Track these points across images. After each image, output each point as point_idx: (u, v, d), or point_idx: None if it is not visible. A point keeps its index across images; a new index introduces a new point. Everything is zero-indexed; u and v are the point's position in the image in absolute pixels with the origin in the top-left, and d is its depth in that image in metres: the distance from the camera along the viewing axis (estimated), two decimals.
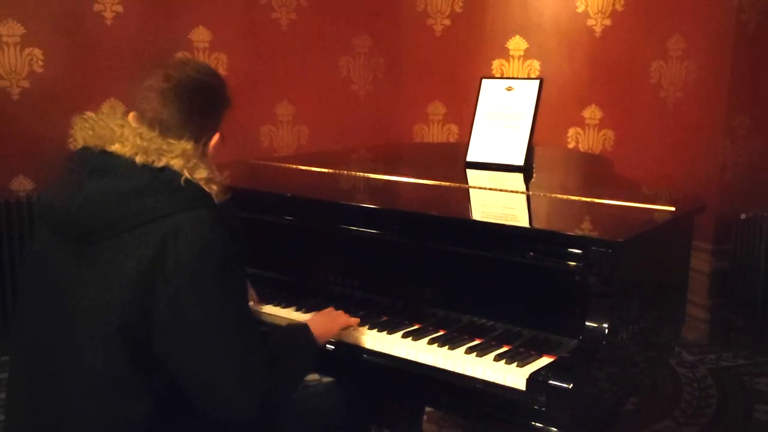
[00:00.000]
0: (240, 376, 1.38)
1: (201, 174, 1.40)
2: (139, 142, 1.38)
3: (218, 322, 1.36)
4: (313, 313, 1.81)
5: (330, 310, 1.77)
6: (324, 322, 1.70)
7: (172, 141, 1.40)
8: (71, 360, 1.38)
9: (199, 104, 1.46)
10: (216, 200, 1.42)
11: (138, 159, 1.38)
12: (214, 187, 1.42)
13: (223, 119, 1.55)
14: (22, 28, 3.74)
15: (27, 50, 3.76)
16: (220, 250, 1.36)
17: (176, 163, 1.39)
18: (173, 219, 1.35)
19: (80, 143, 1.45)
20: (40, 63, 3.79)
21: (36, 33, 3.77)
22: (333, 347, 1.75)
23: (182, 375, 1.39)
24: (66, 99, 3.73)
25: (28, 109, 3.76)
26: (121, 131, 1.41)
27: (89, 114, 1.47)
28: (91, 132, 1.44)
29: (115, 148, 1.40)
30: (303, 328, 1.64)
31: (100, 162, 1.40)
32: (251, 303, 1.87)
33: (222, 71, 4.12)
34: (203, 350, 1.35)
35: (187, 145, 1.41)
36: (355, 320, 1.77)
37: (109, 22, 3.90)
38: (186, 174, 1.39)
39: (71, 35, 3.84)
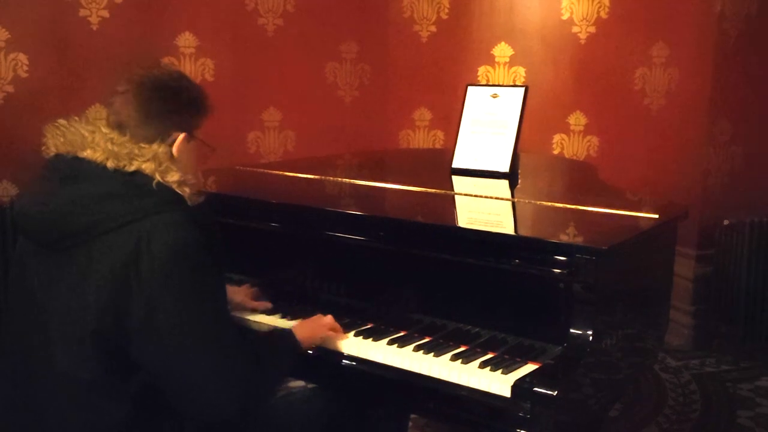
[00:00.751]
0: (218, 377, 1.39)
1: (173, 177, 1.41)
2: (110, 147, 1.40)
3: (194, 323, 1.37)
4: (298, 320, 1.81)
5: (318, 316, 1.77)
6: (309, 328, 1.71)
7: (143, 145, 1.42)
8: (48, 365, 1.38)
9: (157, 101, 1.46)
10: (189, 203, 1.44)
11: (109, 164, 1.39)
12: (187, 190, 1.43)
13: (194, 124, 1.53)
14: (6, 33, 3.71)
15: (11, 55, 3.74)
16: (194, 252, 1.37)
17: (147, 167, 1.40)
18: (146, 222, 1.36)
19: (52, 150, 1.46)
20: (25, 68, 3.77)
21: (21, 38, 3.74)
22: (317, 353, 1.75)
23: (160, 377, 1.39)
24: (51, 104, 3.71)
25: (12, 114, 3.74)
26: (92, 137, 1.42)
27: (61, 121, 1.48)
28: (62, 139, 1.45)
29: (87, 154, 1.41)
30: (287, 332, 1.66)
31: (72, 168, 1.41)
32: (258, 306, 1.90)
33: (208, 77, 4.12)
34: (180, 352, 1.36)
35: (159, 149, 1.42)
36: (339, 329, 1.77)
37: (94, 28, 3.89)
38: (158, 177, 1.40)
39: (56, 40, 3.82)
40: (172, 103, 1.48)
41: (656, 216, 1.94)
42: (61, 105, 3.67)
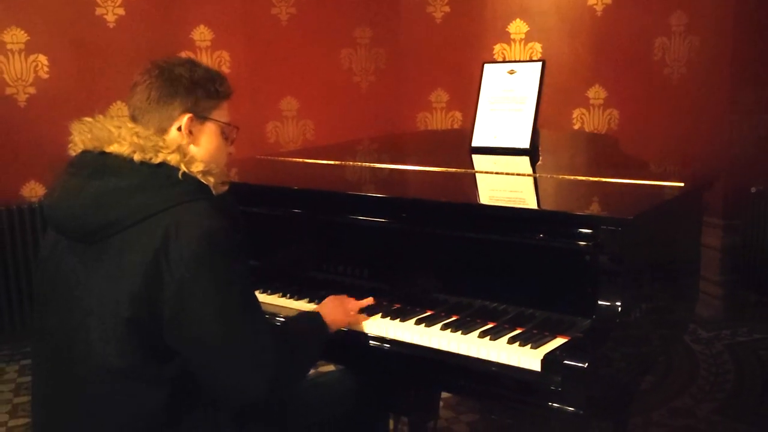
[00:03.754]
0: (250, 360, 1.41)
1: (198, 167, 1.44)
2: (135, 140, 1.42)
3: (224, 309, 1.39)
4: (327, 299, 1.82)
5: (342, 298, 1.79)
6: (334, 310, 1.72)
7: (167, 138, 1.45)
8: (86, 356, 1.41)
9: (159, 87, 1.48)
10: (214, 192, 1.46)
11: (136, 157, 1.42)
12: (212, 179, 1.46)
13: (203, 105, 1.52)
14: (25, 35, 3.76)
15: (32, 57, 3.79)
16: (222, 239, 1.39)
17: (173, 159, 1.43)
18: (174, 212, 1.38)
19: (80, 147, 1.49)
20: (45, 69, 3.82)
21: (40, 39, 3.79)
22: (345, 336, 1.76)
23: (194, 362, 1.41)
24: (73, 103, 3.76)
25: (35, 115, 3.80)
26: (118, 132, 1.45)
27: (87, 119, 1.51)
28: (89, 135, 1.48)
29: (113, 148, 1.44)
30: (314, 314, 1.68)
31: (100, 163, 1.44)
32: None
33: (225, 69, 4.14)
34: (212, 337, 1.38)
35: (183, 141, 1.45)
36: (367, 301, 1.79)
37: (111, 25, 3.92)
38: (183, 168, 1.43)
39: (74, 40, 3.87)
40: (173, 87, 1.50)
41: (681, 184, 1.92)
42: (83, 104, 3.72)
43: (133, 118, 1.49)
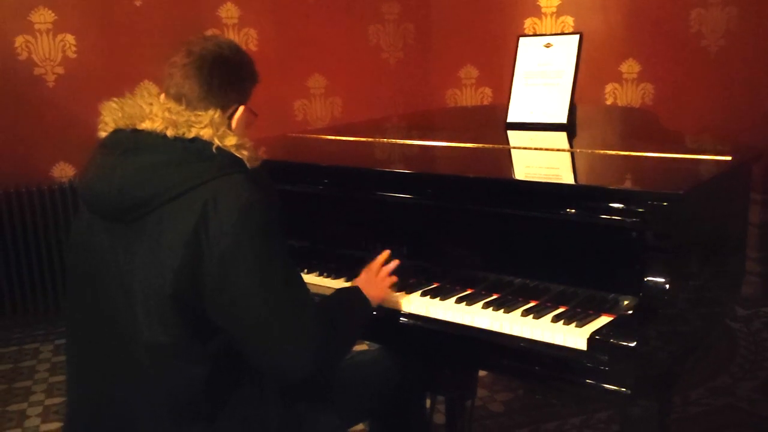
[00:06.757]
0: (295, 332, 1.40)
1: (231, 141, 1.43)
2: (168, 116, 1.41)
3: (267, 280, 1.37)
4: (362, 273, 1.79)
5: (370, 267, 1.75)
6: (368, 284, 1.70)
7: (199, 113, 1.43)
8: (128, 333, 1.40)
9: (219, 76, 1.47)
10: (249, 165, 1.45)
11: (169, 132, 1.40)
12: (245, 152, 1.45)
13: (249, 95, 1.55)
14: (53, 14, 3.76)
15: (59, 36, 3.79)
16: (260, 211, 1.38)
17: (206, 133, 1.41)
18: (211, 185, 1.37)
19: (111, 126, 1.48)
20: (73, 48, 3.82)
21: (67, 19, 3.79)
22: (386, 315, 1.74)
23: (238, 337, 1.40)
24: (101, 82, 3.76)
25: (64, 95, 3.80)
26: (150, 108, 1.43)
27: (117, 98, 1.50)
28: (120, 114, 1.46)
29: (146, 125, 1.42)
30: (354, 289, 1.66)
31: (133, 140, 1.43)
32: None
33: (252, 47, 4.10)
34: (256, 309, 1.37)
35: (215, 114, 1.43)
36: (394, 263, 1.76)
37: (138, 3, 3.90)
38: (217, 142, 1.41)
39: (101, 18, 3.85)
40: (232, 76, 1.49)
41: (729, 158, 1.86)
42: (111, 83, 3.70)
43: (178, 98, 1.45)
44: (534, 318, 1.60)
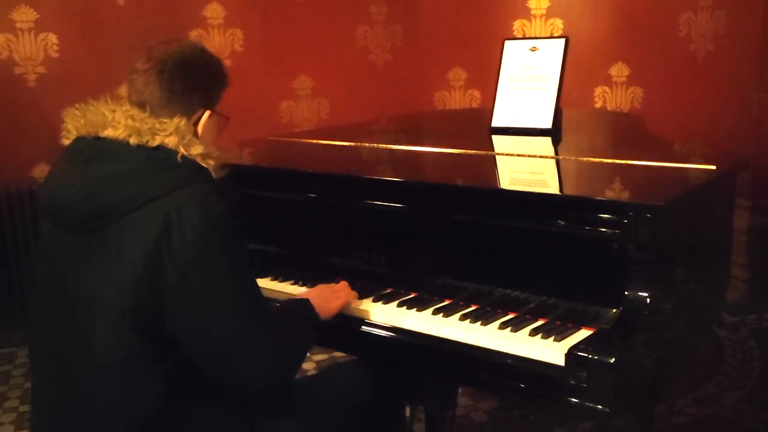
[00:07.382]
0: (253, 346, 1.38)
1: (197, 150, 1.39)
2: (131, 123, 1.37)
3: (229, 293, 1.35)
4: (317, 287, 1.76)
5: (331, 285, 1.74)
6: (322, 293, 1.68)
7: (164, 120, 1.39)
8: (87, 347, 1.36)
9: (182, 81, 1.43)
10: (214, 176, 1.42)
11: (132, 140, 1.37)
12: (211, 162, 1.41)
13: (217, 99, 1.52)
14: (35, 13, 3.69)
15: (41, 35, 3.72)
16: (224, 224, 1.35)
17: (171, 141, 1.38)
18: (174, 196, 1.34)
19: (73, 134, 1.44)
20: (55, 48, 3.75)
21: (49, 17, 3.72)
22: (359, 325, 1.69)
23: (198, 351, 1.37)
24: (83, 83, 3.69)
25: (45, 95, 3.73)
26: (113, 115, 1.40)
27: (79, 105, 1.46)
28: (82, 121, 1.43)
29: (108, 132, 1.38)
30: (304, 300, 1.63)
31: (95, 148, 1.39)
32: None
33: (238, 48, 4.05)
34: (217, 322, 1.35)
35: (181, 122, 1.40)
36: (354, 295, 1.73)
37: (121, 3, 3.84)
38: (182, 150, 1.38)
39: (84, 18, 3.79)
40: (195, 80, 1.46)
41: (713, 167, 1.82)
42: (93, 83, 3.64)
43: (141, 105, 1.42)
44: (512, 331, 1.57)
